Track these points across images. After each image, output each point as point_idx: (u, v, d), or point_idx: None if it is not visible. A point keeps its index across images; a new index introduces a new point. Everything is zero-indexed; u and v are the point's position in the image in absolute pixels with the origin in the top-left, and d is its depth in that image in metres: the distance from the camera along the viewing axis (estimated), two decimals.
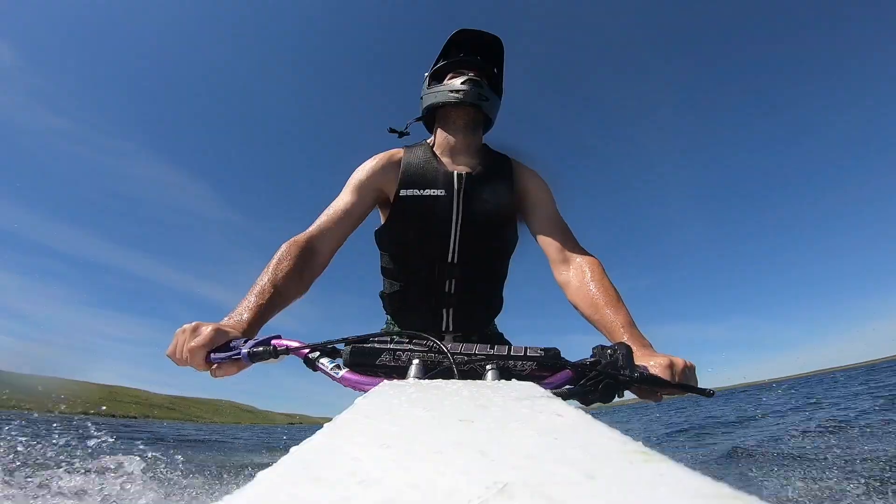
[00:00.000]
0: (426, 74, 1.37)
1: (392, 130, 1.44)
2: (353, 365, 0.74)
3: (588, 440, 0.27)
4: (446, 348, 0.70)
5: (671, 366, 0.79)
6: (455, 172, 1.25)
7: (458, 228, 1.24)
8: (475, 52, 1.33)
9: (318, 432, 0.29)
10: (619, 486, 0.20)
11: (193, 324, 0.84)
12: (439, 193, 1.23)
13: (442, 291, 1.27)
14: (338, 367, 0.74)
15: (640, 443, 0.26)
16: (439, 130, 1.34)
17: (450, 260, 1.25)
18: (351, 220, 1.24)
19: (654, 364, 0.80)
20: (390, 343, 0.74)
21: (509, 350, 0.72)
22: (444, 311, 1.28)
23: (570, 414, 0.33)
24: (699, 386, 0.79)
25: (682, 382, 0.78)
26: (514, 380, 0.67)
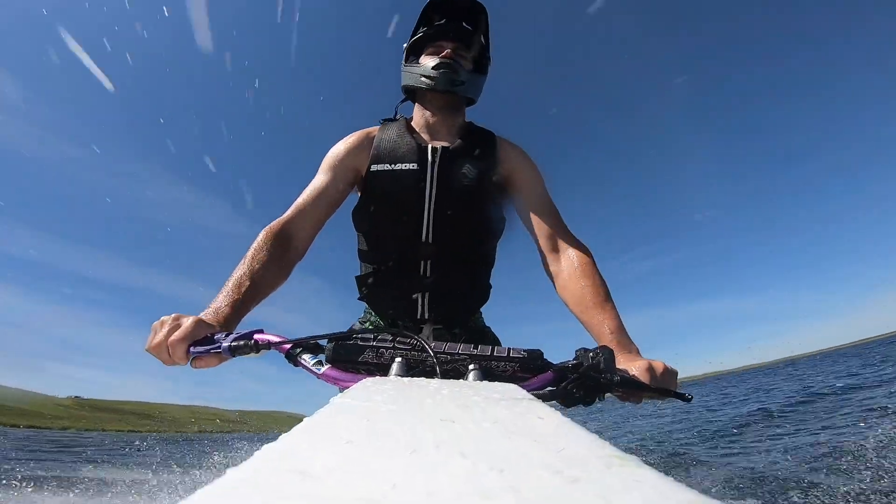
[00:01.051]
0: (404, 46, 1.27)
1: (385, 121, 1.36)
2: (334, 361, 0.73)
3: (567, 444, 0.27)
4: (430, 347, 0.70)
5: (651, 369, 0.80)
6: (430, 146, 1.18)
7: (432, 204, 1.15)
8: (458, 18, 1.23)
9: (293, 428, 0.29)
10: (597, 490, 0.20)
11: (173, 315, 0.81)
12: (411, 167, 1.15)
13: (416, 274, 1.18)
14: (319, 363, 0.73)
15: (618, 447, 0.27)
16: (417, 107, 1.28)
17: (424, 239, 1.16)
18: (327, 201, 1.18)
19: (634, 368, 0.81)
20: (373, 340, 0.73)
21: (493, 351, 0.72)
22: (420, 296, 1.19)
23: (550, 417, 0.33)
24: (678, 391, 0.81)
25: (663, 387, 0.80)
26: (496, 381, 0.67)
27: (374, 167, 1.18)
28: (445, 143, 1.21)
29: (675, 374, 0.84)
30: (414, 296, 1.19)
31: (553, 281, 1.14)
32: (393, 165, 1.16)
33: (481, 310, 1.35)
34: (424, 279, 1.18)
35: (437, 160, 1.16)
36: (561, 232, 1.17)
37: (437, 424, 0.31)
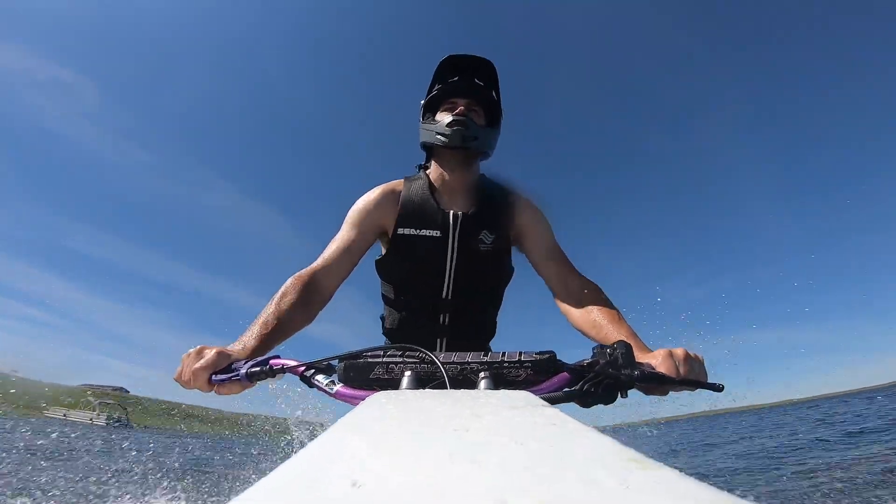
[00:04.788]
0: (421, 103, 1.36)
1: (407, 178, 1.42)
2: (346, 380, 0.74)
3: (583, 448, 0.27)
4: (438, 359, 0.70)
5: (672, 357, 0.76)
6: (451, 213, 1.27)
7: (453, 269, 1.27)
8: (470, 76, 1.31)
9: (310, 443, 0.28)
10: (616, 494, 0.20)
11: (198, 347, 0.88)
12: (435, 234, 1.26)
13: (436, 324, 1.32)
14: (332, 382, 0.75)
15: (634, 450, 0.26)
16: (434, 165, 1.36)
17: (444, 296, 1.29)
18: (353, 254, 1.27)
19: (655, 359, 0.77)
20: (383, 357, 0.74)
21: (503, 356, 0.71)
22: (438, 340, 1.33)
23: (564, 422, 0.33)
24: (708, 381, 0.75)
25: (687, 378, 0.74)
26: (508, 388, 0.66)
27: (400, 230, 1.28)
28: (463, 208, 1.31)
29: (701, 361, 0.80)
30: (433, 339, 1.33)
31: (567, 317, 1.19)
32: (419, 231, 1.27)
33: (490, 343, 1.49)
34: (443, 327, 1.32)
35: (458, 227, 1.27)
36: (569, 272, 1.24)
37: (450, 434, 0.30)
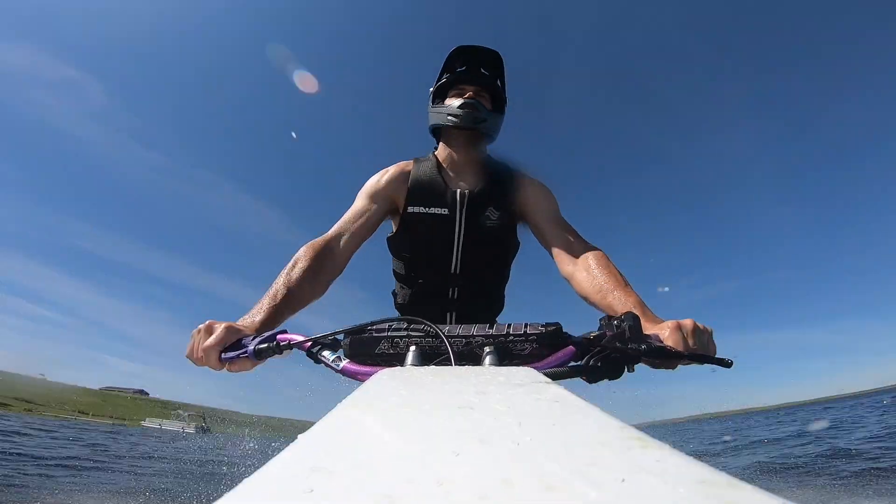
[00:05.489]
0: (430, 90, 1.42)
1: (417, 159, 1.48)
2: (352, 355, 0.74)
3: (585, 426, 0.27)
4: (443, 332, 0.69)
5: (680, 329, 0.75)
6: (458, 191, 1.32)
7: (461, 245, 1.33)
8: (477, 66, 1.37)
9: (315, 424, 0.29)
10: (618, 472, 0.20)
11: (206, 323, 0.87)
12: (443, 212, 1.31)
13: (445, 298, 1.38)
14: (339, 358, 0.74)
15: (636, 428, 0.27)
16: (442, 145, 1.41)
17: (452, 271, 1.35)
18: (366, 225, 1.31)
19: (663, 331, 0.75)
20: (388, 331, 0.73)
21: (508, 329, 0.70)
22: (448, 313, 1.40)
23: (568, 400, 0.33)
24: (716, 356, 0.73)
25: (696, 351, 0.73)
26: (513, 364, 0.66)
27: (410, 208, 1.33)
28: (471, 185, 1.35)
29: (710, 333, 0.79)
30: (443, 313, 1.40)
31: (570, 282, 1.18)
32: (427, 209, 1.32)
33: (497, 317, 1.54)
34: (453, 300, 1.39)
35: (465, 204, 1.31)
36: (574, 239, 1.24)
37: (455, 412, 0.31)
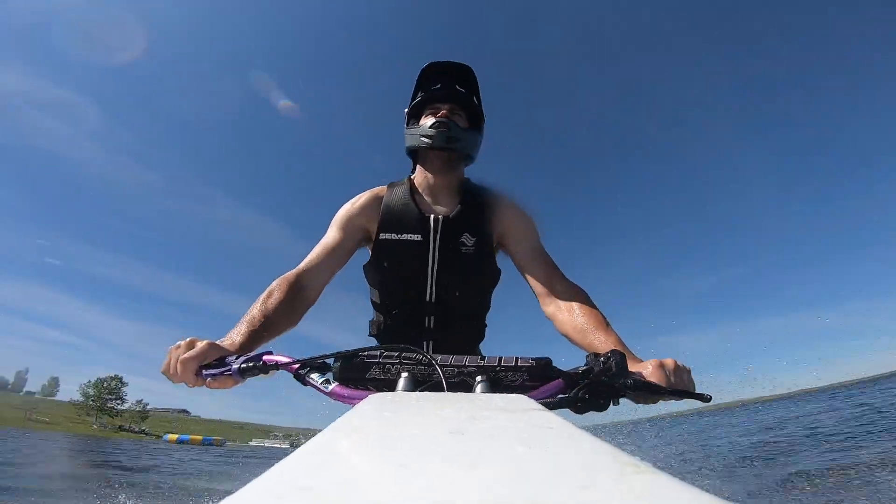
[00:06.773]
0: (405, 111, 1.37)
1: (392, 184, 1.43)
2: (342, 379, 0.74)
3: (579, 452, 0.27)
4: (435, 361, 0.70)
5: (662, 367, 0.79)
6: (432, 217, 1.27)
7: (435, 271, 1.27)
8: (452, 82, 1.33)
9: (304, 445, 0.29)
10: (612, 498, 0.20)
11: (188, 339, 0.86)
12: (416, 238, 1.26)
13: (421, 327, 1.32)
14: (327, 381, 0.74)
15: (630, 455, 0.26)
16: (419, 168, 1.36)
17: (427, 299, 1.29)
18: (338, 256, 1.28)
19: (646, 369, 0.80)
20: (380, 357, 0.74)
21: (500, 361, 0.72)
22: (425, 342, 1.33)
23: (560, 426, 0.33)
24: (696, 391, 0.78)
25: (678, 388, 0.77)
26: (504, 391, 0.66)
27: (382, 235, 1.29)
28: (446, 210, 1.30)
29: (688, 371, 0.83)
30: (420, 342, 1.32)
31: (553, 321, 1.18)
32: (399, 235, 1.27)
33: (479, 346, 1.49)
34: (429, 329, 1.32)
35: (439, 230, 1.26)
36: (554, 276, 1.23)
37: (447, 437, 0.30)
